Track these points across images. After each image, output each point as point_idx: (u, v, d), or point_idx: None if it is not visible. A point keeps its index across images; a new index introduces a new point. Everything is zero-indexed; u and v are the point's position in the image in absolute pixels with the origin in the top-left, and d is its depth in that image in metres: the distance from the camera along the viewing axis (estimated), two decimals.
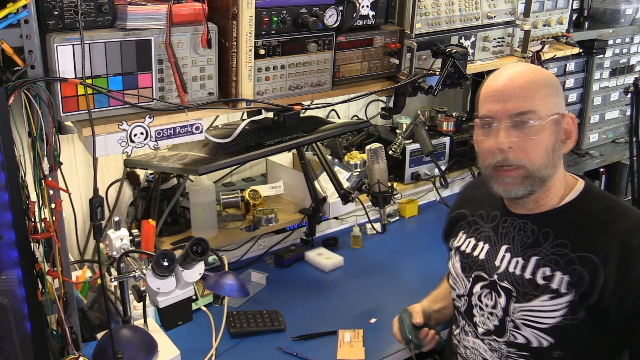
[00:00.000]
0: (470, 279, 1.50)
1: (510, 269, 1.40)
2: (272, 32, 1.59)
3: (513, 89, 1.35)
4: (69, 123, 1.43)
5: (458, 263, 1.56)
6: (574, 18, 2.60)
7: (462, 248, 1.56)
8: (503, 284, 1.41)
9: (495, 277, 1.43)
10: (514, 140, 1.33)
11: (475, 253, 1.51)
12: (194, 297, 1.94)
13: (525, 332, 1.36)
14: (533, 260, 1.37)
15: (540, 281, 1.34)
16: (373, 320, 1.93)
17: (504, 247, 1.44)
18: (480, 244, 1.51)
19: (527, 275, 1.37)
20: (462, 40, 2.07)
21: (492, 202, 1.52)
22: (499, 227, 1.46)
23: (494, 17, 2.11)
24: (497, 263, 1.44)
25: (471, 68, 2.09)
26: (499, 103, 1.35)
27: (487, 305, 1.44)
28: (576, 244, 1.32)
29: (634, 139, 2.53)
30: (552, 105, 1.35)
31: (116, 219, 1.65)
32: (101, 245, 1.68)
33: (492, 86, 1.39)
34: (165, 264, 1.45)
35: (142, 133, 1.44)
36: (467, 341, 1.52)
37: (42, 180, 1.31)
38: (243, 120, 1.78)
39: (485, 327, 1.45)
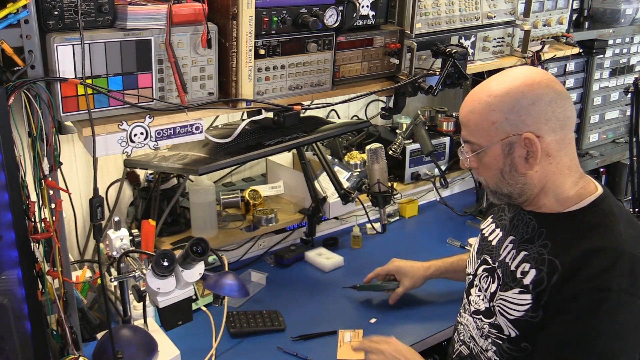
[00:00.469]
0: (479, 261, 1.55)
1: (506, 259, 1.44)
2: (272, 32, 1.59)
3: (461, 117, 1.41)
4: (69, 123, 1.43)
5: (476, 244, 1.61)
6: (574, 18, 2.60)
7: (484, 231, 1.60)
8: (498, 272, 1.45)
9: (496, 264, 1.47)
10: (468, 160, 1.42)
11: (490, 238, 1.55)
12: (194, 297, 1.93)
13: (500, 319, 1.40)
14: (522, 254, 1.40)
15: (518, 275, 1.37)
16: (373, 320, 1.93)
17: (510, 238, 1.47)
18: (497, 230, 1.55)
19: (512, 267, 1.40)
20: (462, 40, 2.07)
21: None
22: (515, 218, 1.49)
23: (494, 17, 2.11)
24: (501, 251, 1.48)
25: (471, 68, 2.09)
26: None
27: (482, 288, 1.50)
28: (554, 247, 1.34)
29: (634, 139, 2.53)
30: (498, 131, 1.33)
31: (116, 219, 1.65)
32: (101, 245, 1.68)
33: None
34: (165, 264, 1.45)
35: (142, 133, 1.44)
36: (463, 317, 1.59)
37: (42, 180, 1.31)
38: (243, 120, 1.78)
39: (477, 307, 1.50)
